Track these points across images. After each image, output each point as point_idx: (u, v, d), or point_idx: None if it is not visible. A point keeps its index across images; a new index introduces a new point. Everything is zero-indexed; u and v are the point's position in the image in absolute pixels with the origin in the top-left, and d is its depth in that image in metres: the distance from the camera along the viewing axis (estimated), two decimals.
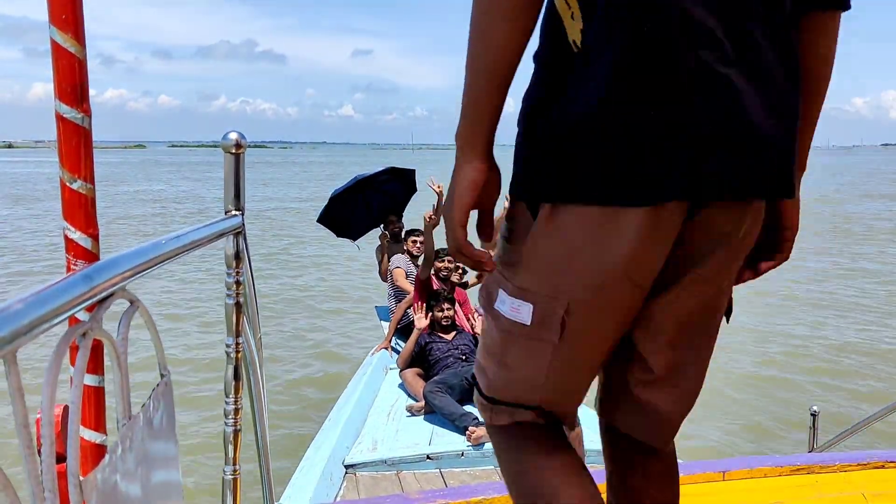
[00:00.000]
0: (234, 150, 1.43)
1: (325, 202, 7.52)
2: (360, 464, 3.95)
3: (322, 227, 7.72)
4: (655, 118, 0.94)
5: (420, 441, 4.20)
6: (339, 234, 7.85)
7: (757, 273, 1.26)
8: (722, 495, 1.72)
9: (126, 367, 0.83)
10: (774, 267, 1.26)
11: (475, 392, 1.26)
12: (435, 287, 5.63)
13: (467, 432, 4.16)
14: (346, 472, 3.96)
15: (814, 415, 3.11)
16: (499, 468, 3.72)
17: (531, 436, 1.20)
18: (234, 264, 1.43)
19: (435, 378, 4.78)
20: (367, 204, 7.67)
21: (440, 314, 5.21)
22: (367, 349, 6.56)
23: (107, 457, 0.73)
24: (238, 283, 1.43)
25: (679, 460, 1.48)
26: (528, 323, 1.07)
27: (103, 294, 0.76)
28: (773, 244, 1.23)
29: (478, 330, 5.39)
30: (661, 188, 0.96)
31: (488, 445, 4.16)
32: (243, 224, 1.44)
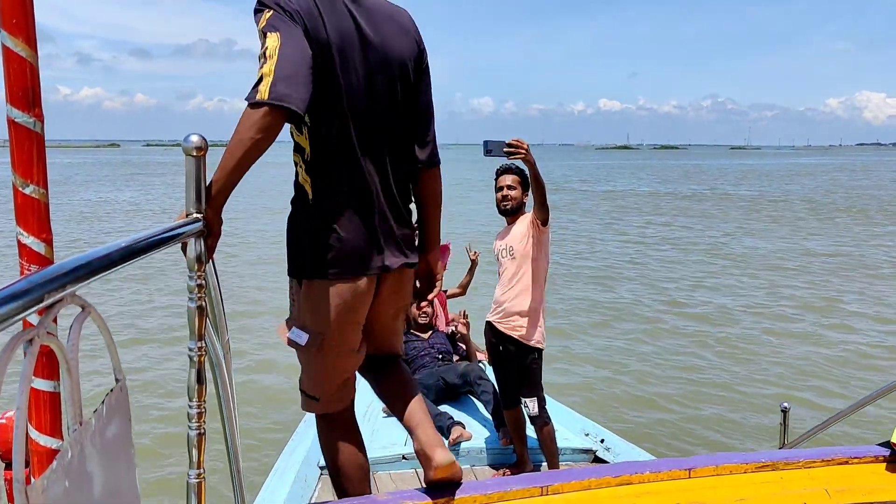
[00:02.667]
0: (195, 153, 1.42)
1: None
2: None
3: None
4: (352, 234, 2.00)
5: (396, 441, 4.19)
6: None
7: (422, 299, 2.39)
8: (688, 492, 1.73)
9: (77, 373, 0.82)
10: (430, 295, 2.38)
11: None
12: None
13: (450, 434, 4.16)
14: (321, 474, 3.94)
15: (784, 411, 3.14)
16: (475, 467, 3.81)
17: (329, 421, 2.24)
18: (196, 267, 1.42)
19: None
20: None
21: (417, 311, 5.19)
22: None
23: (54, 462, 0.73)
24: (200, 286, 1.42)
25: (647, 458, 1.62)
26: (304, 343, 2.07)
27: (51, 300, 0.75)
28: (426, 284, 2.36)
29: (461, 329, 5.38)
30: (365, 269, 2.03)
31: (464, 445, 4.17)
32: (205, 227, 1.42)
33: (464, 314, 5.50)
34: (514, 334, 3.88)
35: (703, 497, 1.70)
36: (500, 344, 3.96)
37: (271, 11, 1.82)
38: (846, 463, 1.86)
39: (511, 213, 3.97)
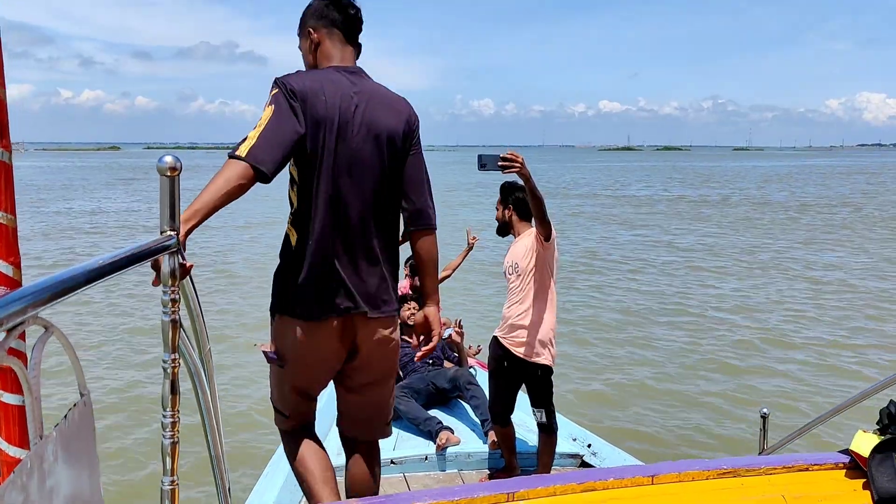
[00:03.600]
0: (168, 174, 1.47)
1: None
2: None
3: None
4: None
5: (384, 446, 4.22)
6: None
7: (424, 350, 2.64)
8: (650, 498, 1.77)
9: (38, 390, 0.87)
10: (426, 348, 2.59)
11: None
12: (402, 292, 5.66)
13: (437, 439, 4.20)
14: None
15: (763, 416, 3.17)
16: (462, 472, 3.89)
17: (292, 436, 2.59)
18: (169, 282, 1.47)
19: (401, 383, 4.82)
20: None
21: (406, 312, 5.20)
22: None
23: (11, 475, 0.78)
24: (174, 300, 1.47)
25: (634, 463, 1.69)
26: (271, 361, 2.44)
27: (12, 323, 0.81)
28: (425, 336, 2.60)
29: (454, 337, 5.40)
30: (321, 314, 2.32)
31: (451, 449, 4.22)
32: (178, 243, 1.48)
33: (458, 323, 5.53)
34: (516, 350, 3.86)
35: (664, 503, 1.75)
36: (503, 359, 3.95)
37: (277, 90, 2.20)
38: (807, 469, 1.91)
39: (500, 232, 4.02)
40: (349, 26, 2.44)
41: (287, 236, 2.35)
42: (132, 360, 8.27)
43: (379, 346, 2.44)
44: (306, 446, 2.57)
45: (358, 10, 2.47)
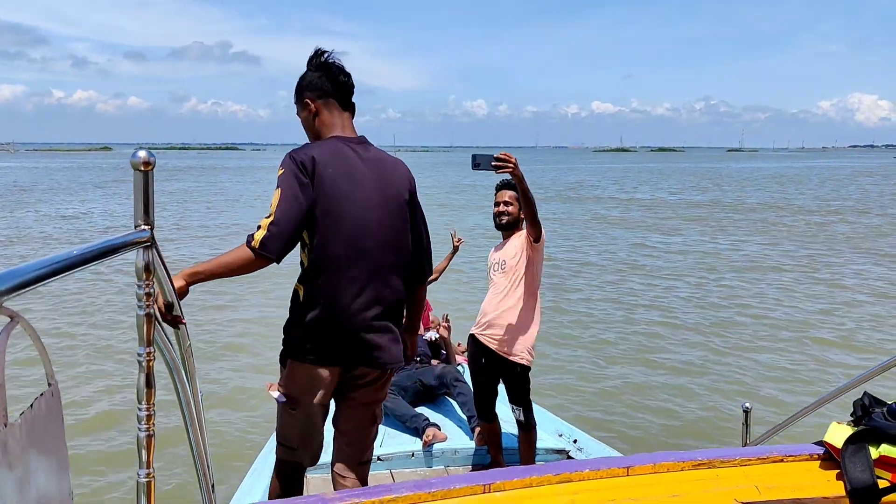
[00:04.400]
0: (142, 168, 1.48)
1: None
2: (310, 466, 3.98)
3: None
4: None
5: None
6: None
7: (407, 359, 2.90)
8: (625, 489, 1.79)
9: (2, 377, 0.88)
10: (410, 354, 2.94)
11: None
12: None
13: (424, 436, 4.22)
14: None
15: (746, 411, 3.19)
16: (449, 468, 3.94)
17: (286, 472, 2.90)
18: (143, 276, 1.48)
19: None
20: None
21: None
22: None
23: None
24: (148, 294, 1.48)
25: (586, 457, 1.69)
26: (284, 401, 2.68)
27: None
28: (410, 350, 2.92)
29: (442, 332, 5.42)
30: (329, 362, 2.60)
31: (438, 446, 4.23)
32: (153, 237, 1.48)
33: (445, 318, 5.56)
34: (493, 346, 3.89)
35: (639, 494, 1.77)
36: (481, 356, 3.98)
37: (283, 169, 2.45)
38: (781, 461, 1.93)
39: (507, 227, 4.02)
40: (342, 94, 2.68)
41: (296, 292, 2.60)
42: (117, 354, 8.26)
43: (376, 391, 2.76)
44: (291, 489, 2.90)
45: (349, 77, 2.70)
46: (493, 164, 3.32)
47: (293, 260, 2.61)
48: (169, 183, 42.98)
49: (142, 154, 1.48)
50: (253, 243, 2.35)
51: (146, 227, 1.48)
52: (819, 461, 1.94)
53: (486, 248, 4.49)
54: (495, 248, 4.13)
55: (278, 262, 2.41)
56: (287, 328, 2.65)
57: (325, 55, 2.71)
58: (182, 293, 2.22)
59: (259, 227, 2.37)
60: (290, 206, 2.39)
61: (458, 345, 5.74)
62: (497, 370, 3.93)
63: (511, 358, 3.86)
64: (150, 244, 1.48)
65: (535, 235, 3.75)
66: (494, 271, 4.00)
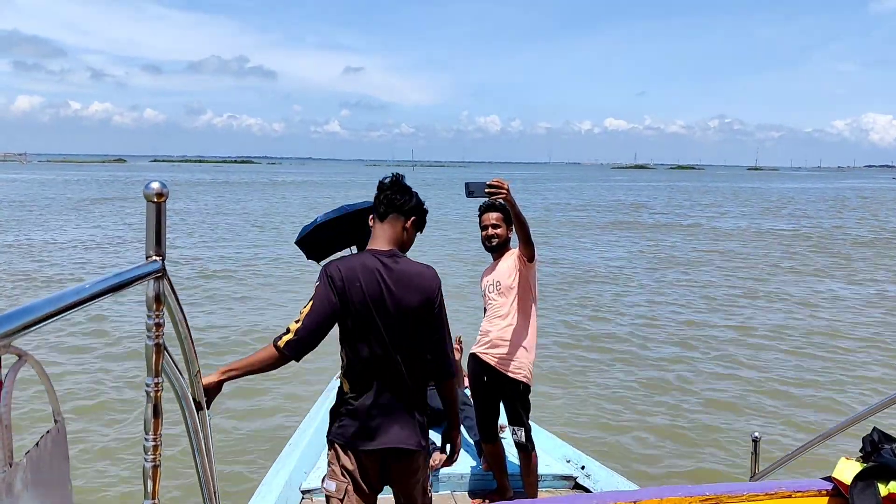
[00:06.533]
0: (155, 199, 1.48)
1: (311, 224, 7.50)
2: (316, 489, 3.99)
3: (297, 248, 7.72)
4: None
5: None
6: (309, 257, 7.87)
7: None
8: None
9: (8, 418, 0.89)
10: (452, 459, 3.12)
11: None
12: None
13: (430, 460, 4.20)
14: (303, 498, 3.99)
15: (755, 440, 3.16)
16: (455, 493, 3.98)
17: None
18: (154, 307, 1.49)
19: None
20: (348, 235, 7.65)
21: None
22: (331, 375, 6.59)
23: None
24: (158, 325, 1.48)
25: (627, 486, 1.70)
26: (333, 490, 2.84)
27: None
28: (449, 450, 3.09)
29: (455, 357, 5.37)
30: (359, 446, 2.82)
31: (444, 471, 4.22)
32: (164, 268, 1.49)
33: (458, 340, 5.54)
34: (494, 363, 3.93)
35: None
36: (482, 375, 4.00)
37: (320, 281, 2.77)
38: (789, 497, 1.91)
39: (497, 249, 4.05)
40: (380, 206, 2.93)
41: (341, 384, 2.93)
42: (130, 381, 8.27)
43: (410, 475, 2.94)
44: None
45: (390, 188, 2.93)
46: (486, 190, 3.42)
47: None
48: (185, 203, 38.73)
49: (155, 185, 1.48)
50: (280, 343, 2.68)
51: (157, 259, 1.49)
52: (828, 497, 1.92)
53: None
54: (486, 270, 4.16)
55: (297, 361, 2.76)
56: (332, 415, 2.94)
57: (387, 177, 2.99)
58: (216, 388, 2.54)
59: (287, 331, 2.71)
60: (315, 318, 2.72)
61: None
62: (498, 388, 3.95)
63: (512, 375, 3.90)
64: (162, 275, 1.49)
65: (529, 255, 3.83)
66: (490, 292, 4.03)
